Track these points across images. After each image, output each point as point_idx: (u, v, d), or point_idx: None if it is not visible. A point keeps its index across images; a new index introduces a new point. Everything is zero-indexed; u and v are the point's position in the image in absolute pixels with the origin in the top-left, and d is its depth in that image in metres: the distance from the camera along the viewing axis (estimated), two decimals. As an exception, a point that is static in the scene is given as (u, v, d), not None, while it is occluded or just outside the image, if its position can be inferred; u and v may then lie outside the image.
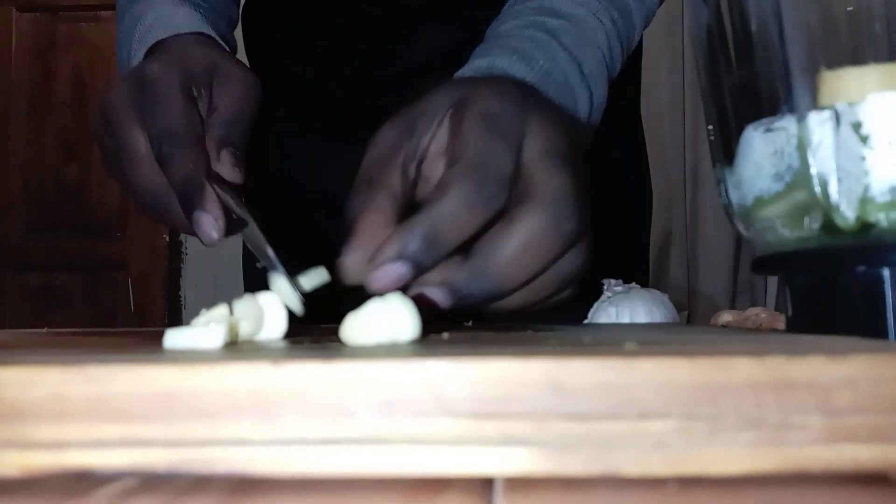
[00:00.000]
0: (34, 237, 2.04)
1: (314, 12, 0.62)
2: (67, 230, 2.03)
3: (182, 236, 2.06)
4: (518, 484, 0.16)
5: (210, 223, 0.37)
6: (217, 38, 0.49)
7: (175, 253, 2.06)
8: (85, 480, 0.16)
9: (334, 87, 0.62)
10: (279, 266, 0.32)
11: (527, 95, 0.33)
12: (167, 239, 2.04)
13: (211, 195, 0.37)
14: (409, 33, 0.59)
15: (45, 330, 0.38)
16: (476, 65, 0.41)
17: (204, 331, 0.22)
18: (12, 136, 2.05)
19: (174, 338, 0.22)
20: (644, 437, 0.15)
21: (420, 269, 0.28)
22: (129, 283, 2.02)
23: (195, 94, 0.42)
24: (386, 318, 0.23)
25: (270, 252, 0.33)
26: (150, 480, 0.16)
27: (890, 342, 0.24)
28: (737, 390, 0.15)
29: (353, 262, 0.29)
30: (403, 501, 0.15)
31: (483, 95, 0.32)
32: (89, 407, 0.16)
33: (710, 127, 0.32)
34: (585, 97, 0.43)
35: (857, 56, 0.27)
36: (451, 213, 0.28)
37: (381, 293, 0.26)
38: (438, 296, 0.28)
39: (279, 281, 0.31)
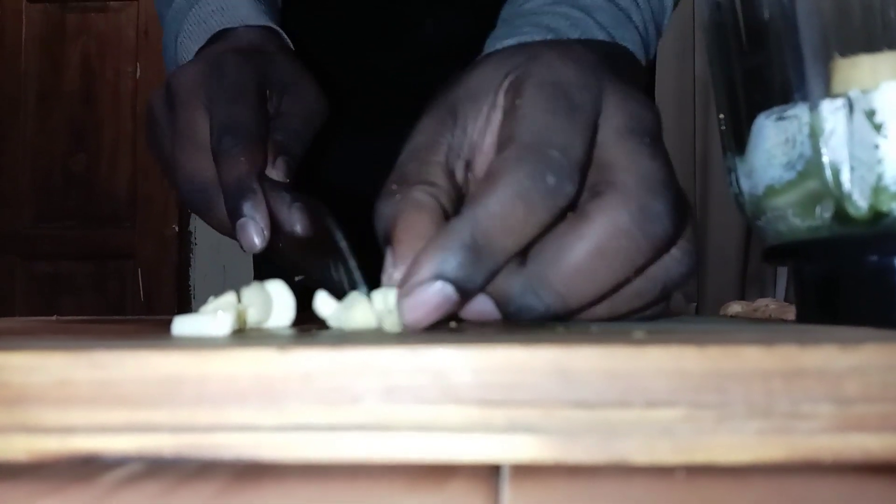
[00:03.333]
0: (43, 226, 2.05)
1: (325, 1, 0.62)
2: (76, 219, 2.04)
3: (192, 226, 2.06)
4: (525, 471, 0.16)
5: (256, 231, 0.34)
6: (283, 35, 0.47)
7: (184, 242, 2.07)
8: (91, 465, 0.16)
9: (340, 73, 0.62)
10: (361, 283, 0.27)
11: (603, 62, 0.26)
12: (176, 229, 2.05)
13: (261, 203, 0.34)
14: (420, 18, 0.59)
15: (53, 318, 0.38)
16: (505, 45, 0.36)
17: (211, 318, 0.22)
18: (21, 126, 2.05)
19: (182, 325, 0.22)
20: (651, 424, 0.15)
21: (467, 291, 0.22)
22: (139, 273, 2.03)
23: (268, 96, 0.40)
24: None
25: (353, 264, 0.29)
26: (156, 465, 0.16)
27: (901, 332, 0.24)
28: (746, 378, 0.15)
29: (399, 281, 0.23)
30: (409, 488, 0.15)
31: (547, 62, 0.25)
32: (95, 392, 0.16)
33: (721, 116, 0.31)
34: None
35: (870, 43, 0.27)
36: (503, 211, 0.21)
37: (421, 325, 0.21)
38: (485, 307, 0.23)
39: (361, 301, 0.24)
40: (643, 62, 0.41)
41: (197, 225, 2.05)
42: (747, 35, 0.30)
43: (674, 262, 0.24)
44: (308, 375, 0.16)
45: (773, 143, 0.27)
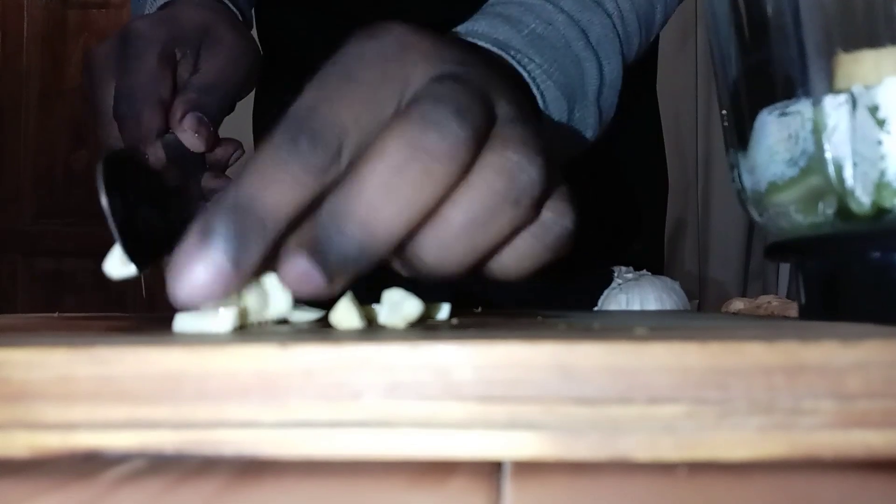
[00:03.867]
0: (44, 223, 2.05)
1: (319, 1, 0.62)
2: (77, 216, 2.04)
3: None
4: (526, 468, 0.15)
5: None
6: (229, 4, 0.48)
7: (185, 239, 2.07)
8: (93, 461, 0.16)
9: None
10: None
11: (416, 32, 0.25)
12: (177, 225, 2.05)
13: (155, 165, 0.36)
14: (405, 11, 0.58)
15: (55, 314, 0.38)
16: (451, 33, 0.35)
17: (213, 314, 0.22)
18: (23, 123, 2.05)
19: (184, 322, 0.22)
20: (653, 421, 0.15)
21: (241, 258, 0.20)
22: (140, 270, 2.03)
23: (178, 55, 0.41)
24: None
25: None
26: (158, 462, 0.16)
27: (904, 329, 0.24)
28: (747, 375, 0.15)
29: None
30: (411, 484, 0.15)
31: (352, 42, 0.25)
32: (97, 388, 0.16)
33: (724, 112, 0.31)
34: (594, 68, 0.38)
35: (874, 38, 0.27)
36: (259, 174, 0.21)
37: (192, 304, 0.20)
38: (298, 262, 0.21)
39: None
40: (620, 49, 0.39)
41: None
42: (750, 30, 0.30)
43: (512, 166, 0.23)
44: (309, 372, 0.16)
45: (775, 139, 0.27)
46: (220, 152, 0.43)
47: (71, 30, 2.07)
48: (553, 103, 0.35)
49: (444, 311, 0.27)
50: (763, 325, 0.23)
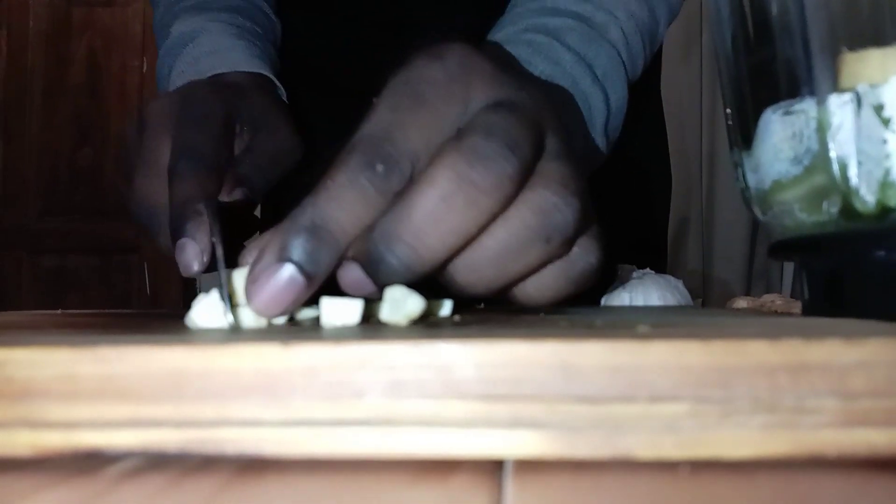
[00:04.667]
0: (48, 220, 2.05)
1: (332, 4, 0.62)
2: (82, 213, 2.04)
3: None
4: (528, 466, 0.15)
5: (194, 253, 0.34)
6: (275, 80, 0.48)
7: (189, 237, 2.07)
8: (95, 460, 0.16)
9: (346, 74, 0.62)
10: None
11: (476, 54, 0.27)
12: (181, 223, 2.05)
13: (204, 226, 0.34)
14: (422, 20, 0.59)
15: (58, 312, 0.38)
16: None
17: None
18: (27, 121, 2.06)
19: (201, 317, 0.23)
20: (656, 419, 0.15)
21: (312, 273, 0.23)
22: (145, 267, 2.04)
23: (237, 129, 0.41)
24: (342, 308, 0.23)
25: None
26: (160, 460, 0.16)
27: (908, 328, 0.24)
28: (750, 373, 0.15)
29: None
30: (413, 483, 0.15)
31: (417, 63, 0.26)
32: (100, 387, 0.16)
33: (728, 110, 0.31)
34: (600, 101, 0.39)
35: (879, 37, 0.26)
36: (337, 195, 0.23)
37: (274, 311, 0.22)
38: (352, 272, 0.23)
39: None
40: (625, 75, 0.40)
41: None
42: (754, 29, 0.29)
43: (549, 206, 0.24)
44: (311, 370, 0.16)
45: (779, 137, 0.27)
46: None
47: (76, 28, 2.07)
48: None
49: (446, 307, 0.27)
50: (766, 323, 0.23)
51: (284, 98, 0.49)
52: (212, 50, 0.46)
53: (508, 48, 0.38)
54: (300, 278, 0.22)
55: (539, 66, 0.37)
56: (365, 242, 0.23)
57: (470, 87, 0.25)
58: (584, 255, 0.26)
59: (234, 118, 0.41)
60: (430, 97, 0.25)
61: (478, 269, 0.24)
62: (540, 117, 0.25)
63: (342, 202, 0.23)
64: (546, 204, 0.24)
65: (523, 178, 0.24)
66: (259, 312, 0.23)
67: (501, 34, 0.40)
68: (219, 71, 0.45)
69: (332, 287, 0.24)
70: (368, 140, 0.24)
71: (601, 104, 0.39)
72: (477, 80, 0.26)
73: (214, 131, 0.39)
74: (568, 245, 0.25)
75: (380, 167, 0.23)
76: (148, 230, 0.39)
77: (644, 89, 0.61)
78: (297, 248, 0.23)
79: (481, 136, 0.23)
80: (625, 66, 0.40)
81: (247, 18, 0.50)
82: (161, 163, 0.38)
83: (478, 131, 0.23)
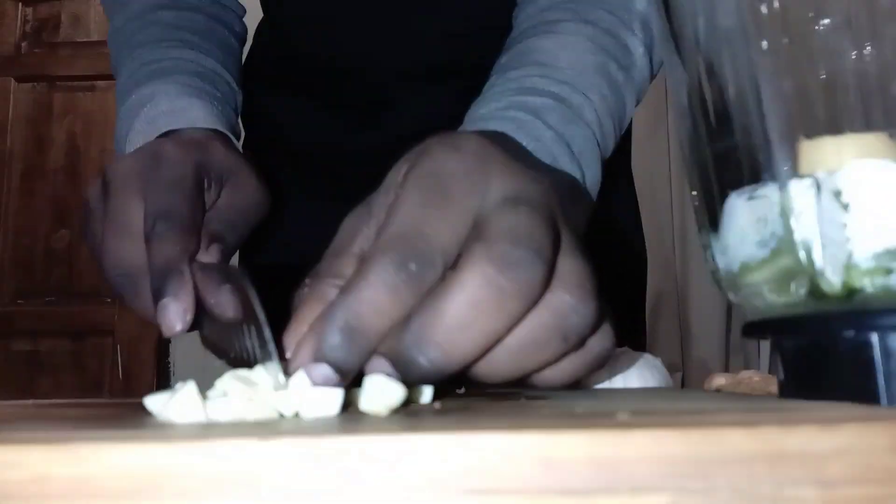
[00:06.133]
0: (22, 303, 2.02)
1: (304, 78, 0.63)
2: (56, 296, 2.01)
3: (172, 301, 2.04)
4: (511, 562, 0.15)
5: (177, 314, 0.35)
6: (232, 137, 0.49)
7: (164, 318, 2.04)
8: (67, 564, 0.16)
9: (324, 155, 0.63)
10: (273, 352, 0.27)
11: (492, 146, 0.28)
12: (157, 304, 2.03)
13: (187, 285, 0.35)
14: (399, 101, 0.60)
15: (30, 402, 0.37)
16: None
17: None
18: (5, 202, 2.05)
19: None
20: (638, 511, 0.15)
21: (345, 369, 0.24)
22: (118, 350, 2.00)
23: (206, 185, 0.42)
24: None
25: (268, 334, 0.27)
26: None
27: (881, 409, 0.24)
28: (729, 463, 0.15)
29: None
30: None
31: (432, 154, 0.27)
32: (74, 487, 0.16)
33: (694, 193, 0.32)
34: (578, 178, 0.40)
35: (833, 125, 0.28)
36: (370, 297, 0.24)
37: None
38: (382, 367, 0.24)
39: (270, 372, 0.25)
40: (599, 154, 0.42)
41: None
42: (716, 118, 0.31)
43: (566, 307, 0.25)
44: (291, 464, 0.16)
45: (745, 221, 0.28)
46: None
47: (56, 112, 2.10)
48: None
49: (426, 394, 0.27)
50: (743, 408, 0.23)
51: (238, 148, 0.50)
52: (169, 110, 0.47)
53: (493, 124, 0.40)
54: (334, 377, 0.23)
55: (522, 142, 0.39)
56: (395, 340, 0.24)
57: (488, 178, 0.26)
58: (598, 342, 0.27)
59: (202, 174, 0.41)
60: (453, 191, 0.26)
61: (498, 364, 0.25)
62: (553, 212, 0.27)
63: (375, 303, 0.24)
64: (565, 306, 0.25)
65: (548, 281, 0.25)
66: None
67: (485, 110, 0.41)
68: (175, 127, 0.46)
69: None
70: (400, 238, 0.24)
71: (578, 180, 0.40)
72: (494, 171, 0.27)
73: (187, 191, 0.39)
74: (584, 340, 0.27)
75: (413, 266, 0.24)
76: (123, 294, 0.39)
77: (616, 168, 0.64)
78: (332, 349, 0.24)
79: (509, 243, 0.24)
80: (599, 145, 0.42)
81: (207, 83, 0.51)
82: (132, 224, 0.38)
83: (505, 237, 0.24)
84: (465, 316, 0.23)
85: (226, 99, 0.53)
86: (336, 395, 0.23)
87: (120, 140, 0.49)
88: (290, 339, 0.26)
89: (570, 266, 0.26)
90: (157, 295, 0.35)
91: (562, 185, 0.39)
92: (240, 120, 0.57)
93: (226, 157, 0.44)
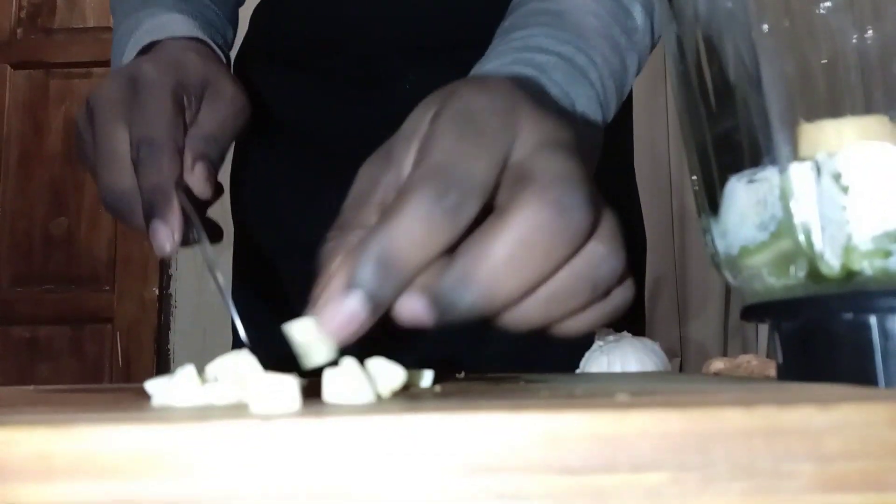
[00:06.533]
0: (20, 290, 2.02)
1: (302, 55, 0.63)
2: (55, 283, 2.01)
3: (172, 289, 2.04)
4: (512, 540, 0.15)
5: (166, 235, 0.37)
6: (212, 44, 0.50)
7: (164, 305, 2.05)
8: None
9: (320, 130, 0.63)
10: (225, 294, 0.31)
11: (519, 89, 0.28)
12: (156, 292, 2.03)
13: (174, 208, 0.38)
14: (396, 75, 0.60)
15: (31, 387, 0.38)
16: None
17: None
18: (2, 190, 2.05)
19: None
20: (637, 489, 0.15)
21: (378, 302, 0.23)
22: (117, 337, 2.00)
23: (185, 102, 0.43)
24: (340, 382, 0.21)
25: (220, 277, 0.32)
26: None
27: (878, 389, 0.25)
28: (728, 439, 0.15)
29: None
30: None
31: (462, 94, 0.27)
32: (76, 466, 0.16)
33: (694, 177, 0.32)
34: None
35: (834, 108, 0.28)
36: (408, 227, 0.23)
37: (339, 339, 0.23)
38: (416, 305, 0.23)
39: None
40: (601, 115, 0.42)
41: (177, 287, 2.03)
42: (716, 100, 0.31)
43: (598, 258, 0.25)
44: (291, 445, 0.16)
45: (745, 204, 0.28)
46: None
47: (53, 98, 2.09)
48: None
49: (427, 378, 0.27)
50: (742, 388, 0.23)
51: (224, 60, 0.51)
52: (149, 28, 0.49)
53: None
54: (367, 306, 0.23)
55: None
56: (431, 278, 0.23)
57: (519, 119, 0.26)
58: (622, 293, 0.27)
59: (180, 92, 0.43)
60: (487, 128, 0.25)
61: (529, 311, 0.25)
62: (583, 157, 0.27)
63: (413, 234, 0.23)
64: (597, 256, 0.25)
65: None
66: (327, 337, 0.23)
67: (490, 66, 0.41)
68: (155, 39, 0.48)
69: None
70: (438, 171, 0.24)
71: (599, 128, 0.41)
72: (523, 112, 0.26)
73: (167, 113, 0.41)
74: (610, 289, 0.27)
75: (452, 198, 0.23)
76: (120, 215, 0.42)
77: (616, 150, 0.63)
78: (366, 279, 0.23)
79: (564, 188, 0.24)
80: (601, 107, 0.42)
81: (190, 6, 0.53)
82: (120, 150, 0.41)
83: (558, 182, 0.24)
84: (514, 257, 0.23)
85: (212, 24, 0.55)
86: (292, 389, 0.20)
87: (115, 62, 0.51)
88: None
89: (602, 216, 0.26)
90: (148, 217, 0.38)
91: (583, 134, 0.39)
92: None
93: (202, 67, 0.46)
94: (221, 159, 0.44)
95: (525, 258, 0.23)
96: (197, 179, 0.41)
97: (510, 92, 0.27)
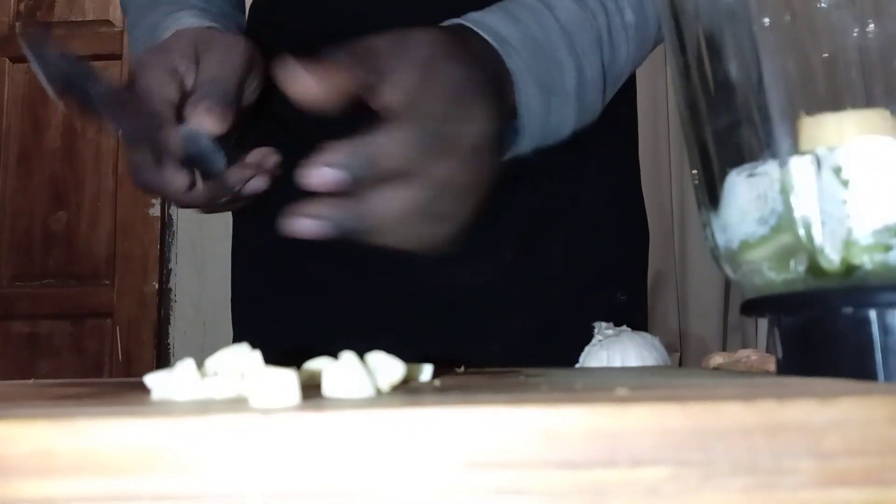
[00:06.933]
0: (20, 285, 2.02)
1: (301, 50, 0.63)
2: (55, 278, 2.01)
3: (172, 283, 2.05)
4: (512, 534, 0.15)
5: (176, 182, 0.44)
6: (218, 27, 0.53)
7: (164, 300, 2.05)
8: (71, 537, 0.16)
9: (318, 125, 0.63)
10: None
11: (483, 84, 0.37)
12: (156, 286, 2.03)
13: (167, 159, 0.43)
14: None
15: (31, 382, 0.38)
16: (468, 17, 0.44)
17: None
18: (1, 185, 2.05)
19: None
20: (638, 484, 0.15)
21: (352, 182, 0.32)
22: (117, 331, 2.00)
23: (181, 68, 0.47)
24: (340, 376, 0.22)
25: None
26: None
27: (878, 384, 0.25)
28: (728, 435, 0.15)
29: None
30: (396, 554, 0.15)
31: (454, 68, 0.37)
32: (77, 461, 0.16)
33: (695, 171, 0.32)
34: (572, 69, 0.45)
35: (834, 102, 0.28)
36: (397, 148, 0.33)
37: (314, 189, 0.32)
38: (321, 176, 0.32)
39: None
40: (600, 52, 0.47)
41: (177, 282, 2.03)
42: (717, 94, 0.31)
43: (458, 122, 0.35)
44: (291, 439, 0.16)
45: (745, 198, 0.28)
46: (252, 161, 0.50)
47: (52, 93, 2.08)
48: (529, 93, 0.44)
49: (426, 372, 0.27)
50: (742, 383, 0.23)
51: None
52: (165, 28, 0.53)
53: (509, 6, 0.45)
54: (345, 181, 0.32)
55: (530, 28, 0.44)
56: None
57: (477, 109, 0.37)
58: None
59: (172, 61, 0.47)
60: (464, 105, 0.36)
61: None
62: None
63: (396, 155, 0.33)
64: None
65: None
66: (309, 184, 0.32)
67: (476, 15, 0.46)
68: (164, 37, 0.51)
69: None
70: (434, 121, 0.34)
71: (573, 72, 0.45)
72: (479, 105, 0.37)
73: (156, 75, 0.45)
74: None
75: (428, 145, 0.33)
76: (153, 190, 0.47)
77: (620, 144, 0.63)
78: (355, 166, 0.32)
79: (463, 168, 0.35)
80: (602, 49, 0.47)
81: (206, 4, 0.57)
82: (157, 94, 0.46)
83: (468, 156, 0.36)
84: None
85: (225, 14, 0.58)
86: (292, 383, 0.19)
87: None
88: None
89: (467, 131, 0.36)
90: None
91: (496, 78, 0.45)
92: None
93: (190, 34, 0.49)
94: (231, 93, 0.47)
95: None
96: (201, 116, 0.44)
97: (478, 87, 0.37)
